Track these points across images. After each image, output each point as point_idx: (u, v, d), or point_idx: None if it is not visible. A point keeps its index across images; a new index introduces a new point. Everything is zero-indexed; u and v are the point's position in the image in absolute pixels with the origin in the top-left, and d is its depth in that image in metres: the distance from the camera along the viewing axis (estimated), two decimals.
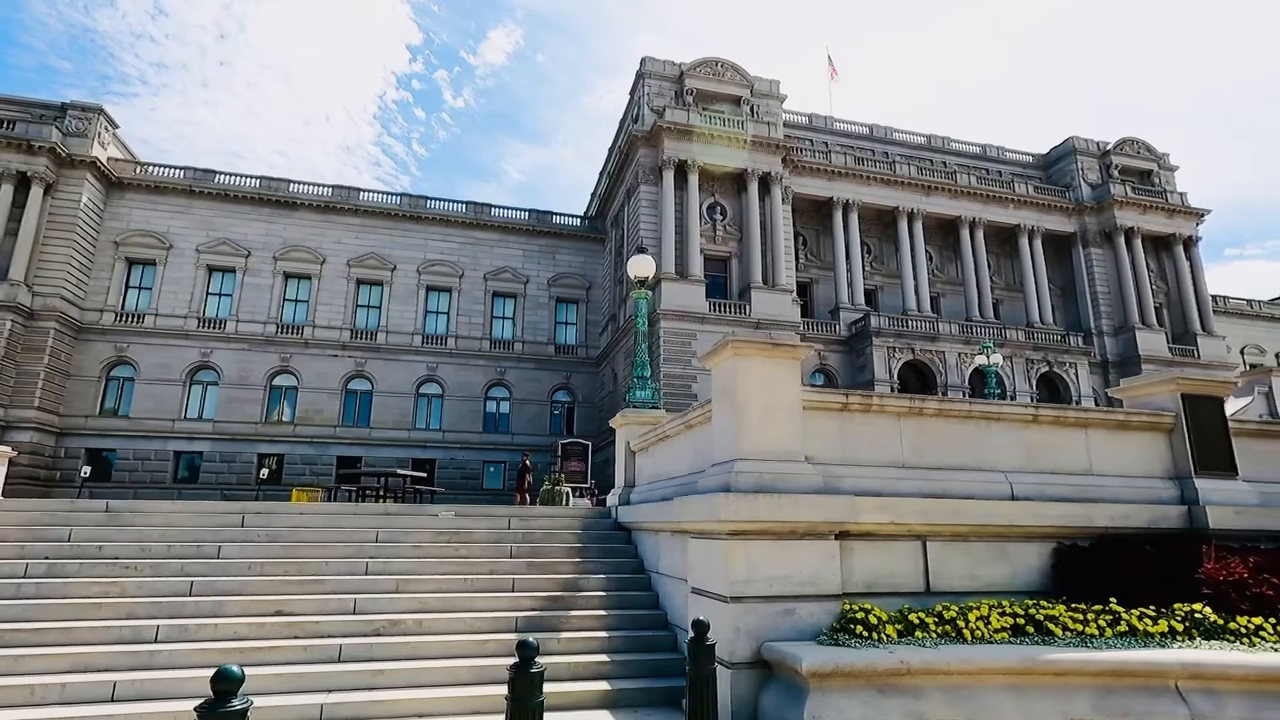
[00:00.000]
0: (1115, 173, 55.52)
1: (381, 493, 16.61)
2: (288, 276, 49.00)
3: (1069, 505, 7.02)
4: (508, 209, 54.82)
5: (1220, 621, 5.96)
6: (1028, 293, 52.58)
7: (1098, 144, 57.01)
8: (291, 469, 45.07)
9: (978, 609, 6.16)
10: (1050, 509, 6.90)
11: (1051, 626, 5.99)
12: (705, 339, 41.16)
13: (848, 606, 6.06)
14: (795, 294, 46.32)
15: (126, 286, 46.41)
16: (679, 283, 42.63)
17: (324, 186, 51.34)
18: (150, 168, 48.96)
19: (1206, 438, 7.88)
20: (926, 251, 52.46)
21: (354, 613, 7.71)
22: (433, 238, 52.49)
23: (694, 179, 44.61)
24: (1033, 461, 7.42)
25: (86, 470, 40.63)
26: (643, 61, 47.91)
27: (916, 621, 5.97)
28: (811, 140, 53.62)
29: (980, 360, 32.01)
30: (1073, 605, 6.32)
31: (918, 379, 46.13)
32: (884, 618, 5.95)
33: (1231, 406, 21.11)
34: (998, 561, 6.76)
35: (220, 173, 49.68)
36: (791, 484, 6.23)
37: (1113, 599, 6.31)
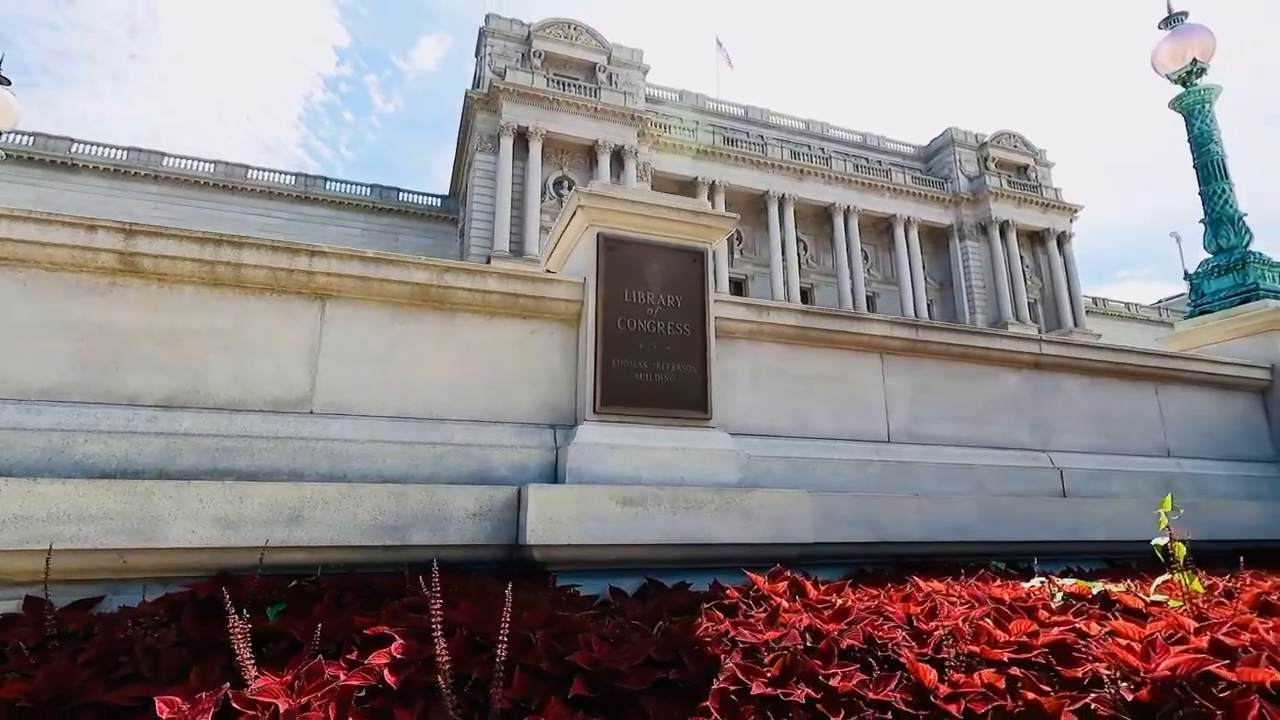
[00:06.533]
0: (992, 166, 54.03)
1: None
2: None
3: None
4: (345, 183, 48.95)
5: None
6: (903, 285, 50.19)
7: (976, 136, 55.53)
8: None
9: None
10: None
11: None
12: None
13: None
14: None
15: None
16: (512, 261, 37.73)
17: (116, 148, 44.20)
18: None
19: (639, 333, 3.48)
20: (800, 241, 49.41)
21: None
22: (252, 211, 45.99)
23: (536, 148, 39.96)
24: (91, 377, 2.81)
25: None
26: (487, 19, 43.06)
27: None
28: (681, 119, 49.81)
29: None
30: None
31: None
32: None
33: None
34: None
35: None
36: None
37: None
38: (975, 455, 4.27)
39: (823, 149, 53.37)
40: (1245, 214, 6.04)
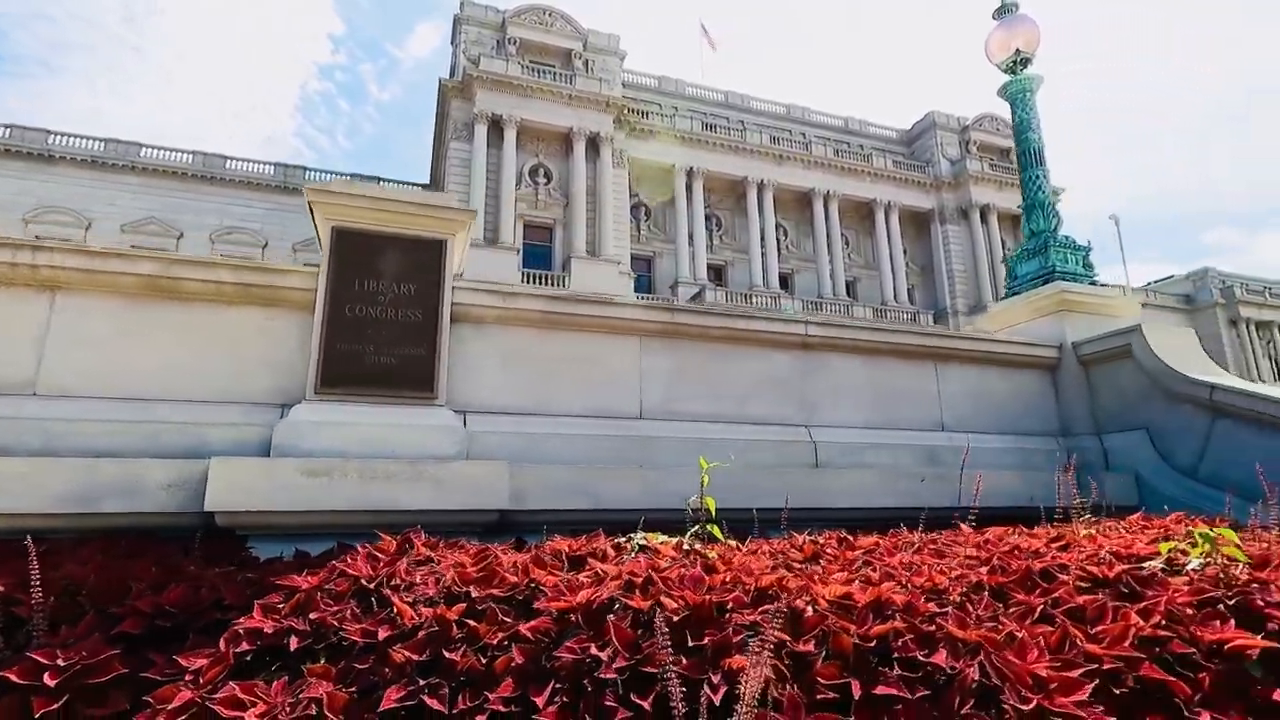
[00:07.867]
0: (974, 149, 53.91)
1: None
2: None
3: None
4: (325, 172, 48.92)
5: None
6: (884, 270, 50.28)
7: (958, 119, 55.36)
8: None
9: None
10: None
11: None
12: None
13: None
14: (628, 266, 42.44)
15: None
16: (487, 249, 37.90)
17: (95, 140, 44.26)
18: None
19: (369, 319, 3.76)
20: (780, 226, 49.47)
21: None
22: (233, 202, 46.07)
23: (510, 135, 40.02)
24: None
25: None
26: (461, 5, 42.93)
27: None
28: (659, 105, 49.70)
29: None
30: None
31: None
32: None
33: None
34: None
35: None
36: None
37: None
38: (730, 430, 4.56)
39: (804, 134, 53.26)
40: (1056, 199, 6.28)
